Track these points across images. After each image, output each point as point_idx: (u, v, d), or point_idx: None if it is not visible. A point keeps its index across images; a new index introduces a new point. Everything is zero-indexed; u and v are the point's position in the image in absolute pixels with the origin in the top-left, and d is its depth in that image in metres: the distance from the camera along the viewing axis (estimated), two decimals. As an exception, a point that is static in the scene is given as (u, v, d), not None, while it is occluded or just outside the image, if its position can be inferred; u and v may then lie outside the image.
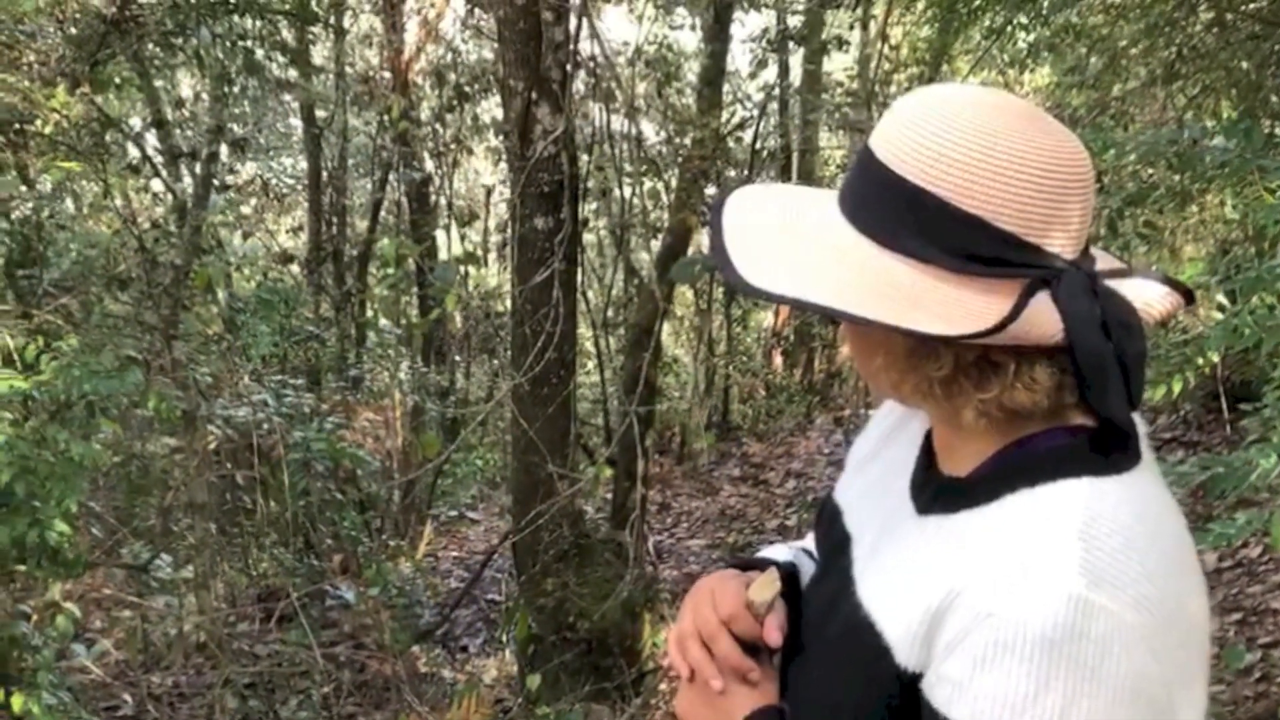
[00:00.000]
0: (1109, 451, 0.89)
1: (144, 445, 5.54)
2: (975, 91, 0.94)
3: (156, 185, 7.43)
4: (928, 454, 1.03)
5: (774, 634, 1.01)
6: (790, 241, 0.94)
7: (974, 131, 0.87)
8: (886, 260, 0.89)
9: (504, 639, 5.33)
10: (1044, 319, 0.86)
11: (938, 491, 0.98)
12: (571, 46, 4.04)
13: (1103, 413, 0.89)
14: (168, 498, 5.19)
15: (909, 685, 0.89)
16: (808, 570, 1.14)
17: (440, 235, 8.88)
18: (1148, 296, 0.91)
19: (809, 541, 1.25)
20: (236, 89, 7.14)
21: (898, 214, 0.89)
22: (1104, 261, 0.93)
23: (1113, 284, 0.89)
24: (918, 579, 0.91)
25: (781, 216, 0.97)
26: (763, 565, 1.11)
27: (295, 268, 7.83)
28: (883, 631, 0.92)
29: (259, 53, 6.08)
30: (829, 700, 0.96)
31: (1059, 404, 0.90)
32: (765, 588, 1.02)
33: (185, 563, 5.17)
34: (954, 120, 0.88)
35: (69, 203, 7.48)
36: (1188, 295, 0.91)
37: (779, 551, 1.24)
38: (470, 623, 6.01)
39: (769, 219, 0.96)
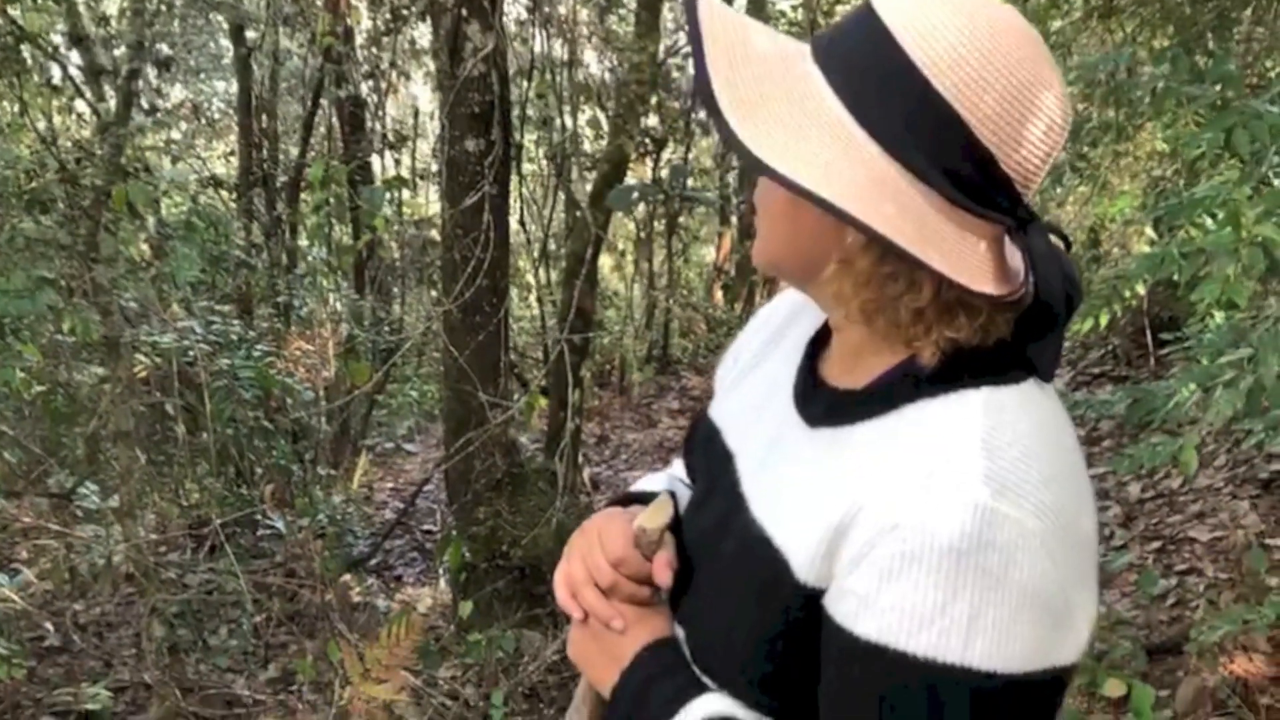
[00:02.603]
0: (1005, 362, 0.88)
1: (69, 373, 5.42)
2: (1005, 6, 0.87)
3: (80, 106, 7.19)
4: (810, 367, 1.01)
5: (664, 573, 0.99)
6: (789, 109, 0.85)
7: (1015, 68, 0.82)
8: (894, 173, 0.83)
9: (438, 568, 5.33)
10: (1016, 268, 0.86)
11: (830, 404, 0.96)
12: (505, -36, 3.95)
13: (1039, 365, 0.89)
14: (93, 426, 5.08)
15: (809, 602, 0.88)
16: (685, 498, 1.12)
17: (375, 162, 8.72)
18: None
19: (676, 468, 1.23)
20: (162, 4, 6.90)
21: (905, 115, 0.82)
22: None
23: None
24: (815, 493, 0.90)
25: (767, 68, 0.87)
26: (644, 499, 1.09)
27: (225, 193, 7.63)
28: (780, 547, 0.90)
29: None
30: (725, 620, 0.94)
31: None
32: (658, 513, 1.00)
33: (112, 492, 5.08)
34: (998, 46, 0.82)
35: (-14, 122, 7.22)
36: (1066, 244, 0.90)
37: (655, 481, 1.21)
38: (404, 552, 6.01)
39: (756, 69, 0.86)
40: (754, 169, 0.83)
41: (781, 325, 1.11)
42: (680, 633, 1.00)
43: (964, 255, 0.84)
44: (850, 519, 0.85)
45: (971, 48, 0.82)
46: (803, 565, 0.88)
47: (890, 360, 0.92)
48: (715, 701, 0.94)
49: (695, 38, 0.85)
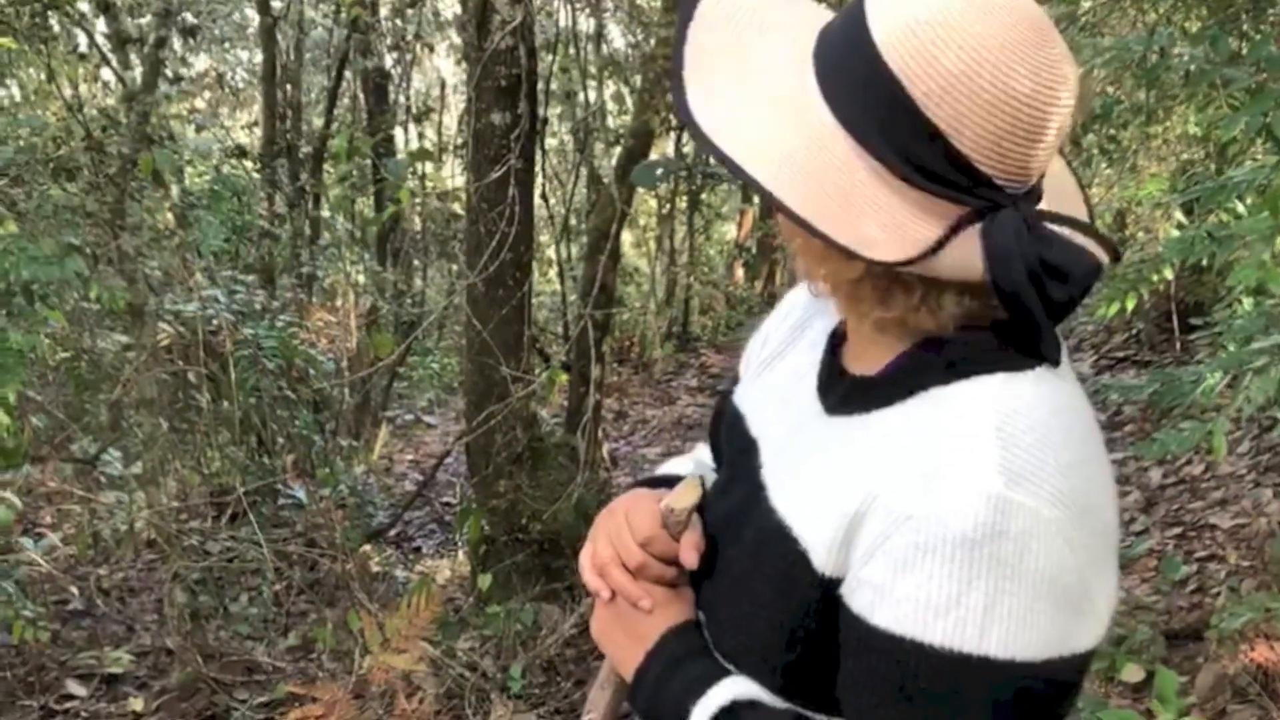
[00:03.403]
0: (1022, 347, 0.87)
1: (94, 341, 5.46)
2: None
3: (107, 74, 7.21)
4: (833, 354, 1.01)
5: (691, 554, 0.99)
6: (752, 86, 0.87)
7: (971, 42, 0.80)
8: (843, 146, 0.84)
9: (457, 540, 5.36)
10: (969, 254, 0.83)
11: (847, 391, 0.96)
12: (533, -63, 3.92)
13: (1043, 350, 0.87)
14: (117, 393, 5.12)
15: (828, 591, 0.88)
16: (710, 481, 1.12)
17: (399, 134, 8.71)
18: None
19: (701, 452, 1.23)
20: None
21: (874, 106, 0.82)
22: (1054, 203, 0.89)
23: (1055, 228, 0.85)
24: (832, 482, 0.90)
25: (750, 38, 0.89)
26: (669, 483, 1.08)
27: (249, 163, 7.64)
28: (799, 536, 0.90)
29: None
30: (746, 607, 0.94)
31: (974, 312, 0.88)
32: (687, 494, 1.00)
33: (135, 459, 5.13)
34: (955, 20, 0.81)
35: (14, 89, 7.25)
36: (1115, 254, 0.88)
37: (681, 464, 1.21)
38: (423, 524, 6.04)
39: (739, 36, 0.89)
40: (683, 122, 0.86)
41: (807, 313, 1.11)
42: (702, 617, 1.01)
43: (898, 230, 0.83)
44: (865, 508, 0.85)
45: (922, 17, 0.81)
46: (821, 555, 0.88)
47: (900, 346, 0.92)
48: (738, 685, 0.94)
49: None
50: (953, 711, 0.81)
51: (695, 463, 1.22)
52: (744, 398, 1.12)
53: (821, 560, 0.88)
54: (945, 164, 0.82)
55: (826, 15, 0.92)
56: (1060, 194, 0.92)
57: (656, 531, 0.99)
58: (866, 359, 0.95)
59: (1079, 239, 0.86)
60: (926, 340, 0.90)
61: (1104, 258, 0.88)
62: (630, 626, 1.01)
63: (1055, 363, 0.88)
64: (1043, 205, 0.88)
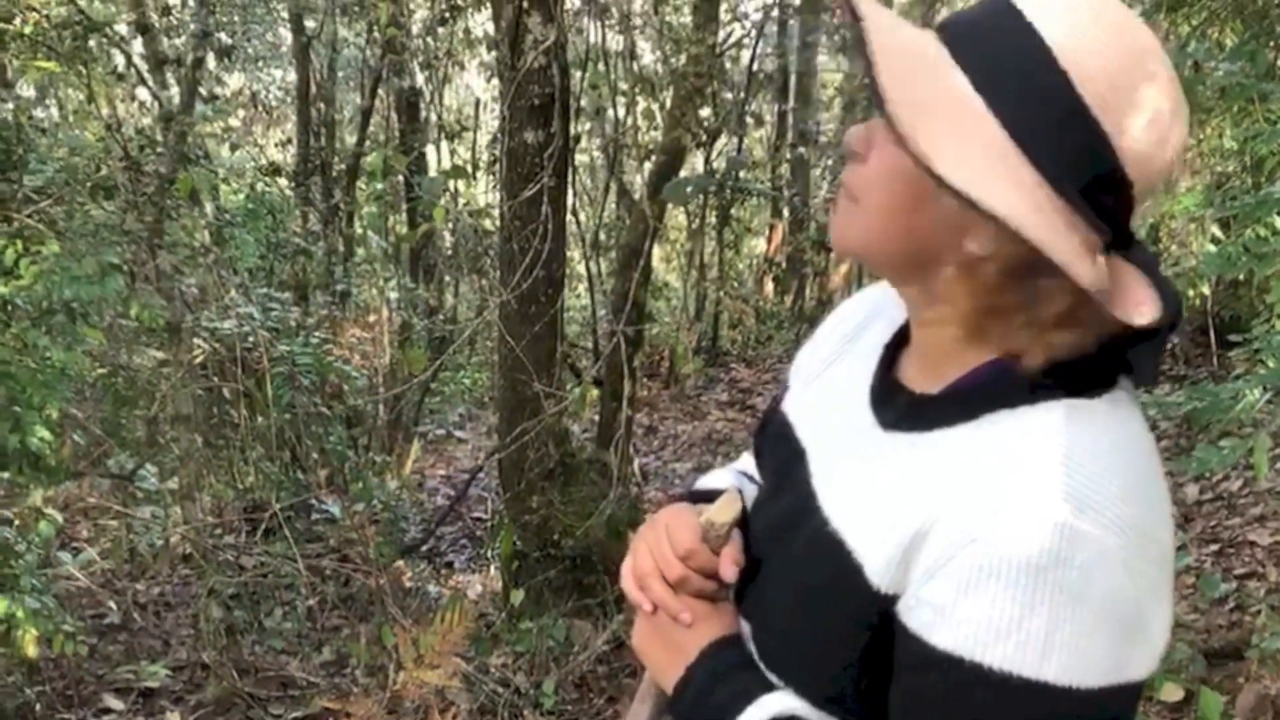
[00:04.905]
0: (1085, 374, 0.87)
1: (130, 357, 5.52)
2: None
3: (143, 94, 7.31)
4: (887, 369, 1.01)
5: (730, 568, 0.99)
6: (949, 121, 0.83)
7: (1143, 64, 0.81)
8: (1035, 181, 0.82)
9: (489, 555, 5.37)
10: (1140, 291, 0.84)
11: (906, 408, 0.95)
12: (566, -44, 3.95)
13: (1139, 371, 0.87)
14: (153, 409, 5.18)
15: (882, 607, 0.88)
16: (751, 494, 1.12)
17: (430, 152, 8.77)
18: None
19: (744, 463, 1.23)
20: (224, -6, 7.00)
21: (1047, 123, 0.81)
22: None
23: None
24: (890, 498, 0.89)
25: (913, 63, 0.85)
26: (709, 496, 1.09)
27: (283, 180, 7.72)
28: (853, 549, 0.90)
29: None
30: (793, 619, 0.94)
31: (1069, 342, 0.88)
32: (727, 508, 1.00)
33: (171, 474, 5.17)
34: (1126, 34, 0.81)
35: (54, 109, 7.37)
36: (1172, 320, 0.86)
37: (721, 478, 1.21)
38: (456, 539, 6.06)
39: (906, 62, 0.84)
40: (927, 171, 0.80)
41: (860, 324, 1.10)
42: (745, 627, 1.01)
43: (1089, 268, 0.82)
44: (928, 528, 0.85)
45: (1120, 64, 0.81)
46: (877, 570, 0.88)
47: (968, 365, 0.91)
48: (782, 699, 0.94)
49: (859, 30, 0.83)
50: None
51: (735, 474, 1.22)
52: (793, 406, 1.12)
53: (877, 575, 0.88)
54: (1114, 199, 0.83)
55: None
56: None
57: (697, 545, 1.00)
58: (930, 375, 0.95)
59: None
60: (994, 361, 0.90)
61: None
62: (671, 640, 1.01)
63: (1152, 382, 0.88)
64: None
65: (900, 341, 1.03)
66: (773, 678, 0.96)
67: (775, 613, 0.97)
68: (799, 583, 0.94)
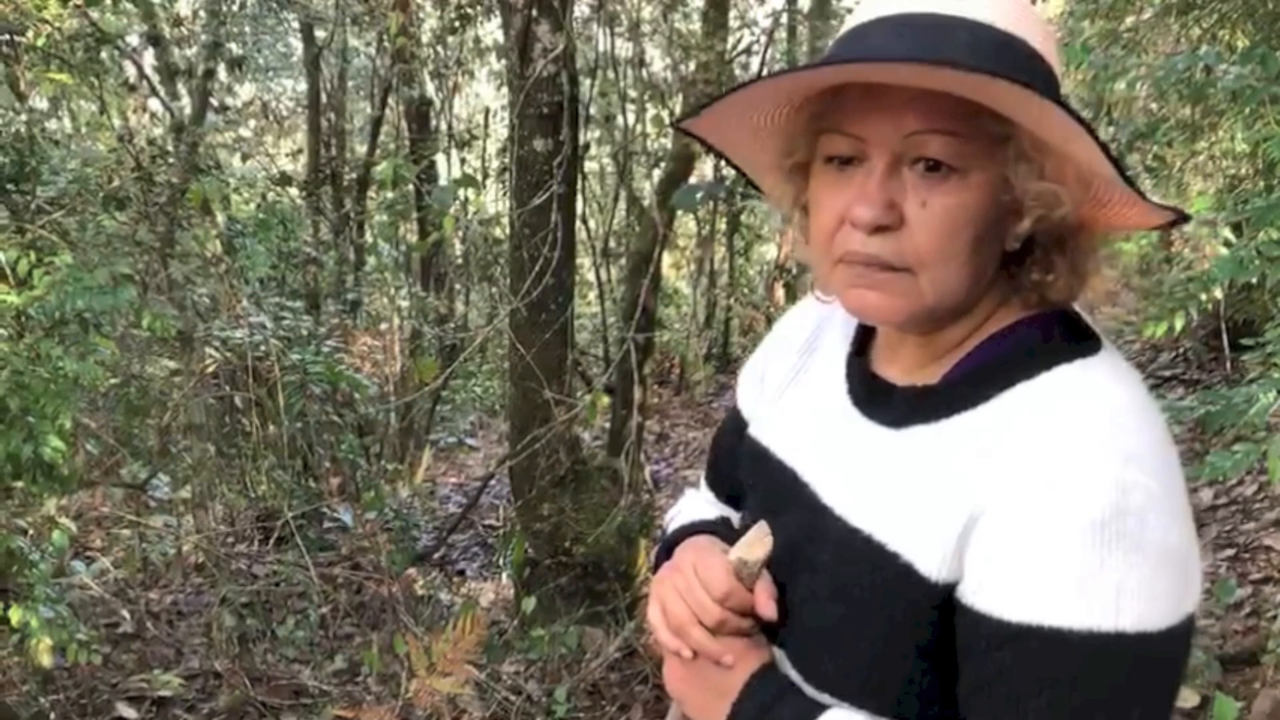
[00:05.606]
0: (1077, 336, 0.92)
1: (143, 367, 5.54)
2: None
3: (155, 105, 7.34)
4: (863, 370, 1.04)
5: (768, 605, 0.98)
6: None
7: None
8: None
9: (500, 563, 5.37)
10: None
11: (911, 402, 0.96)
12: (574, -36, 3.96)
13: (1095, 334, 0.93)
14: (166, 418, 5.20)
15: (942, 598, 0.88)
16: (736, 523, 1.14)
17: (440, 160, 8.79)
18: None
19: (700, 497, 1.25)
20: (235, 6, 7.03)
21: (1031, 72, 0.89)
22: None
23: None
24: (928, 491, 0.90)
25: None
26: (709, 529, 1.10)
27: (294, 190, 7.75)
28: (897, 551, 0.90)
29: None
30: (839, 631, 0.94)
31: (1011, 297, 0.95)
32: (759, 545, 0.98)
33: (183, 483, 5.19)
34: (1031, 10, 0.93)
35: (66, 121, 7.41)
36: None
37: (693, 509, 1.20)
38: (467, 547, 6.06)
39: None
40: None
41: (810, 337, 1.12)
42: (779, 653, 1.00)
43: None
44: (979, 510, 0.86)
45: (1044, 34, 0.94)
46: (932, 563, 0.88)
47: (960, 353, 0.95)
48: (842, 715, 0.94)
49: None
50: (1093, 691, 0.81)
51: (710, 504, 1.22)
52: (762, 431, 1.12)
53: (933, 569, 0.88)
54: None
55: None
56: None
57: (733, 585, 0.99)
58: (919, 368, 0.98)
59: None
60: (995, 339, 0.94)
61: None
62: (712, 682, 1.00)
63: (1087, 330, 0.95)
64: None
65: (864, 343, 1.05)
66: (825, 697, 0.95)
67: (820, 633, 0.96)
68: (837, 594, 0.94)
